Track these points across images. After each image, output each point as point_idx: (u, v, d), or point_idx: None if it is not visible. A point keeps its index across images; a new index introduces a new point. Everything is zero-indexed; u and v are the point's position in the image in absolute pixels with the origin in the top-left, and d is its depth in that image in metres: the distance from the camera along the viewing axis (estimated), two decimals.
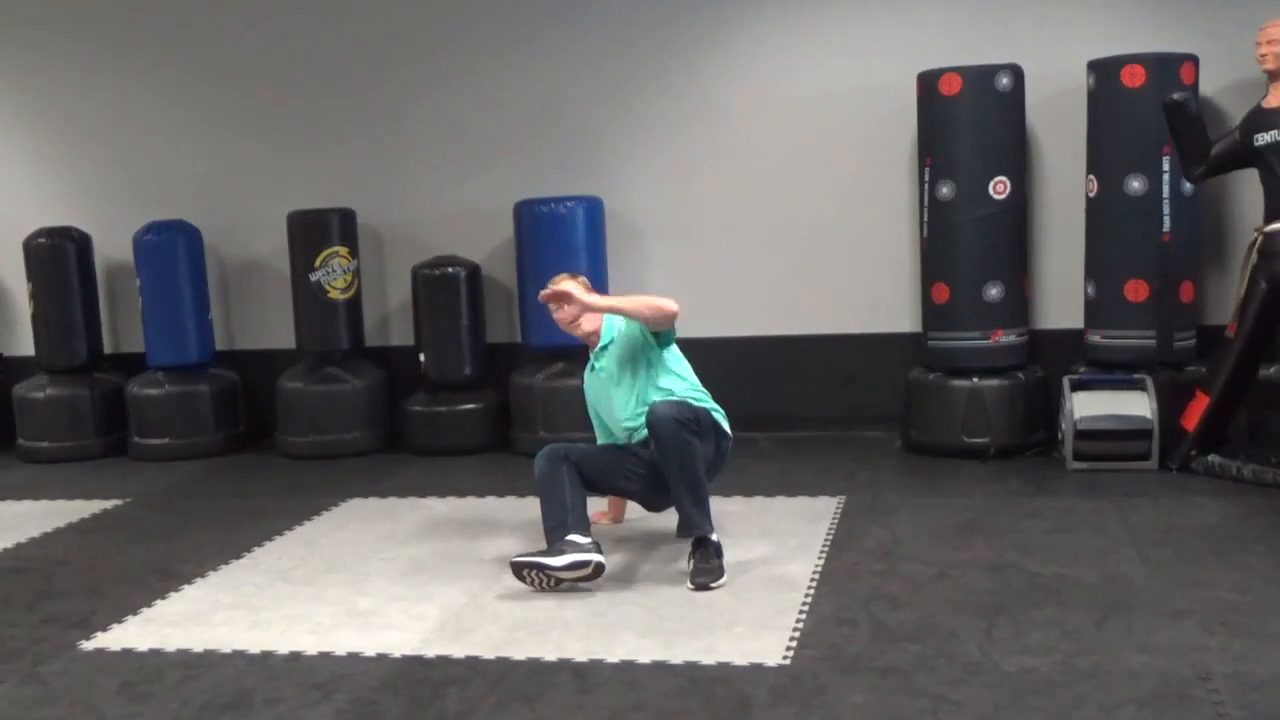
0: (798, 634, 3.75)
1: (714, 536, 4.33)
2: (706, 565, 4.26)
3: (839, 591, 4.14)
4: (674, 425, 4.24)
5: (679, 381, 4.59)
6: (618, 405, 4.66)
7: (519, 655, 3.69)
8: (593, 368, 4.78)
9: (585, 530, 4.35)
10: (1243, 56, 5.63)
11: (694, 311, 5.31)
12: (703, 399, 4.58)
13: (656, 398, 4.45)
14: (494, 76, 6.98)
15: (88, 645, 3.99)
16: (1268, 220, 5.30)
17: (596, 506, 5.18)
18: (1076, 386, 5.78)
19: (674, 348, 4.64)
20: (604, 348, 4.70)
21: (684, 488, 4.29)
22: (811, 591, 4.15)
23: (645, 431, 4.45)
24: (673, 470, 4.29)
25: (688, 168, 6.84)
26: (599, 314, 4.65)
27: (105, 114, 7.48)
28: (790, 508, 5.26)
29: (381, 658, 3.74)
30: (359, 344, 7.08)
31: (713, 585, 4.21)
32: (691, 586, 4.21)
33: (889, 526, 4.89)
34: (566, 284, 4.62)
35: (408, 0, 7.04)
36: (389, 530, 5.22)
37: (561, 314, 4.68)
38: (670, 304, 4.46)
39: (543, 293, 4.64)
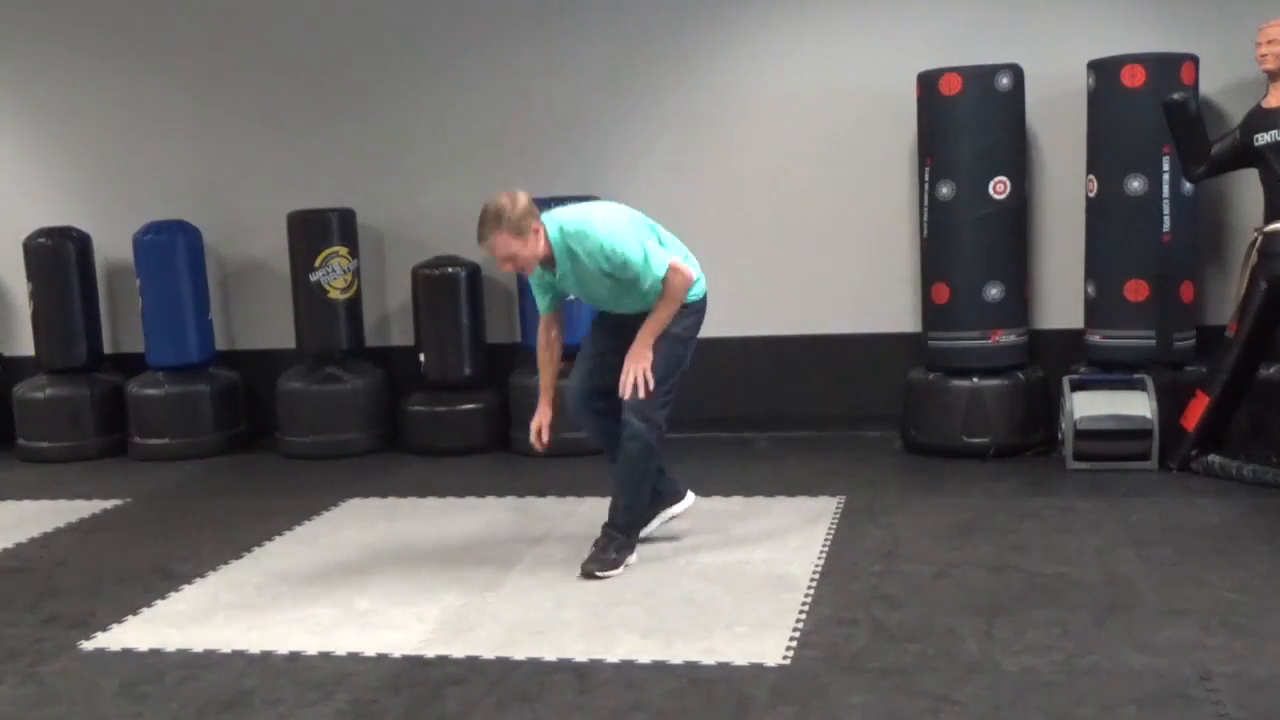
0: (798, 634, 3.75)
1: (624, 535, 4.47)
2: (602, 555, 4.40)
3: (839, 591, 4.14)
4: (639, 434, 4.33)
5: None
6: (604, 302, 4.49)
7: (519, 655, 3.69)
8: (539, 274, 4.39)
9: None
10: (1243, 56, 5.64)
11: None
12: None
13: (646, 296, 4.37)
14: (494, 76, 6.98)
15: (88, 645, 3.99)
16: (1268, 220, 5.30)
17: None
18: (1076, 386, 5.78)
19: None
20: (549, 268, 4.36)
21: (621, 487, 4.48)
22: (811, 591, 4.15)
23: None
24: (620, 473, 4.48)
25: (688, 168, 6.83)
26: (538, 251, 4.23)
27: (105, 114, 7.48)
28: (790, 508, 5.26)
29: (381, 658, 3.74)
30: (359, 344, 7.08)
31: (599, 574, 4.34)
32: (580, 574, 4.36)
33: (889, 526, 4.89)
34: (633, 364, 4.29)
35: (408, 1, 7.04)
36: (389, 530, 5.22)
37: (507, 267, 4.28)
38: (682, 282, 4.39)
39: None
